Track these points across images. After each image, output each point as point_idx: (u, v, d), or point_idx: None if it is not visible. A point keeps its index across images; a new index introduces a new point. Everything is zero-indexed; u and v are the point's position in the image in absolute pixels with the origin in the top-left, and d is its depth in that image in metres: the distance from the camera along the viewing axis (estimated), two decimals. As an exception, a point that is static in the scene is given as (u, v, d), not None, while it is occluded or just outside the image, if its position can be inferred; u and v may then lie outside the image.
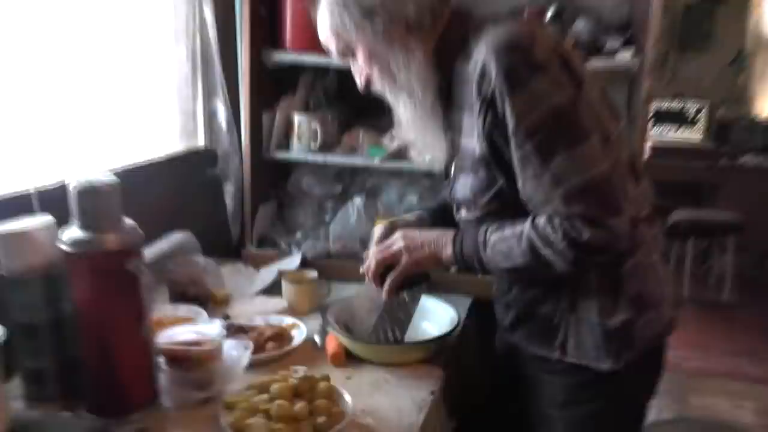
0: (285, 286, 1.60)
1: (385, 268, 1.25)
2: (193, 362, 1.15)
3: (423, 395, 1.22)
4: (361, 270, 1.29)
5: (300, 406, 1.03)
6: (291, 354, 1.35)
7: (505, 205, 1.16)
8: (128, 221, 1.13)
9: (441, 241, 1.22)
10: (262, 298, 1.63)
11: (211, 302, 1.60)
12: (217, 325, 1.22)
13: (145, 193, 1.77)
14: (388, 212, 1.91)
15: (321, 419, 1.02)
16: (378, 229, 1.36)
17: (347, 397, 1.10)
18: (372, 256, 1.27)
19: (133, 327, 1.12)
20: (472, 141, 1.15)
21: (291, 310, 1.59)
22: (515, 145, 1.07)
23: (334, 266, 1.81)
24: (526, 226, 1.11)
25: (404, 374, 1.29)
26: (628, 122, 1.63)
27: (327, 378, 1.12)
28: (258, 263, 1.85)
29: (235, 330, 1.38)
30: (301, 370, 1.10)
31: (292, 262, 1.79)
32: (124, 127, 1.72)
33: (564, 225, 1.06)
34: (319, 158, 1.87)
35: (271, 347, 1.33)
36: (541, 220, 1.09)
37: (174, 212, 1.87)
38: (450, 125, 1.23)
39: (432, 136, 1.24)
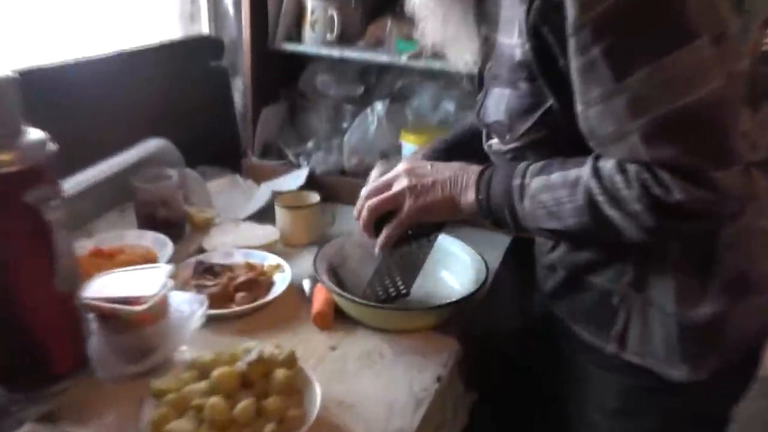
0: (278, 211, 1.30)
1: (381, 215, 0.93)
2: (123, 324, 0.88)
3: (426, 382, 0.92)
4: (355, 213, 0.97)
5: (243, 406, 0.75)
6: (269, 305, 1.06)
7: (555, 135, 0.81)
8: (34, 134, 0.83)
9: (460, 180, 0.88)
10: (250, 223, 1.33)
11: (190, 226, 1.32)
12: (164, 271, 0.94)
13: (131, 87, 1.48)
14: (418, 121, 1.56)
15: (269, 428, 0.73)
16: (376, 172, 1.04)
17: (317, 390, 0.82)
18: (363, 197, 0.95)
19: (43, 276, 0.85)
20: (512, 39, 0.79)
21: (284, 241, 1.29)
22: (576, 49, 0.71)
23: (346, 186, 1.49)
24: (584, 171, 0.76)
25: (406, 346, 0.99)
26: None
27: (291, 359, 0.83)
28: (259, 177, 1.56)
29: (202, 271, 1.10)
30: (254, 351, 0.81)
31: (297, 178, 1.48)
32: (109, 8, 1.42)
33: (644, 177, 0.71)
34: (335, 52, 1.51)
35: (241, 299, 1.04)
36: (608, 166, 0.74)
37: (168, 112, 1.57)
38: (485, 16, 0.87)
39: (457, 28, 0.89)
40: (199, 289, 1.04)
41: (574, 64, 0.72)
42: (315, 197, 1.33)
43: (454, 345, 1.01)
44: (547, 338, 1.04)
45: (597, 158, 0.76)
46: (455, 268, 1.14)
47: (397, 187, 0.90)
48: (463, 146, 1.10)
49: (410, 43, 1.47)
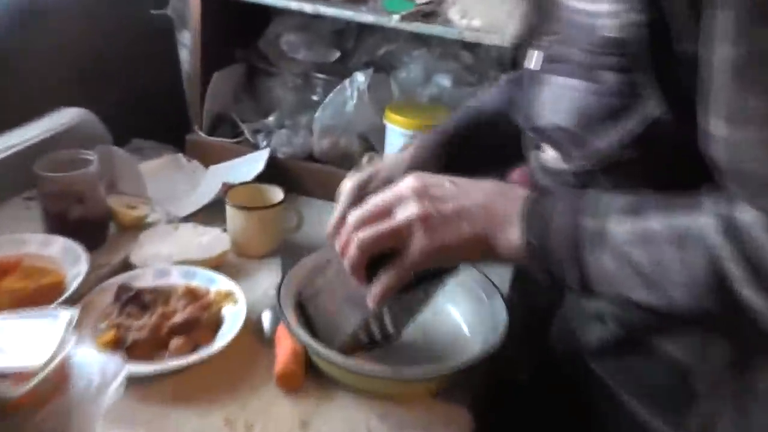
0: (230, 211, 1.02)
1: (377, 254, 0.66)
2: (-3, 408, 0.60)
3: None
4: (335, 244, 0.69)
5: None
6: (216, 357, 0.79)
7: (651, 157, 0.56)
8: None
9: (497, 208, 0.61)
10: (193, 226, 1.03)
11: (116, 225, 1.03)
12: (64, 321, 0.65)
13: (47, 40, 1.16)
14: (406, 97, 1.28)
15: None
16: (352, 182, 0.77)
17: None
18: (351, 225, 0.66)
19: None
20: (599, 2, 0.53)
21: (237, 250, 1.02)
22: (729, 30, 0.46)
23: (315, 174, 1.22)
24: (705, 221, 0.50)
25: (402, 418, 0.74)
26: None
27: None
28: (206, 157, 1.26)
29: (126, 301, 0.82)
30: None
31: (255, 162, 1.19)
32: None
33: None
34: (307, 6, 1.20)
35: (176, 349, 0.76)
36: (748, 218, 0.49)
37: (94, 72, 1.26)
38: None
39: None
40: (120, 332, 0.76)
41: (722, 55, 0.46)
42: (277, 194, 1.05)
43: (464, 416, 0.76)
44: (573, 391, 0.80)
45: (725, 203, 0.50)
46: (462, 300, 0.89)
47: (402, 215, 0.63)
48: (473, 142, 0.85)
49: (402, 1, 1.19)
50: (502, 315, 0.82)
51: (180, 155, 1.26)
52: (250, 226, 1.01)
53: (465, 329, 0.86)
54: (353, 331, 0.74)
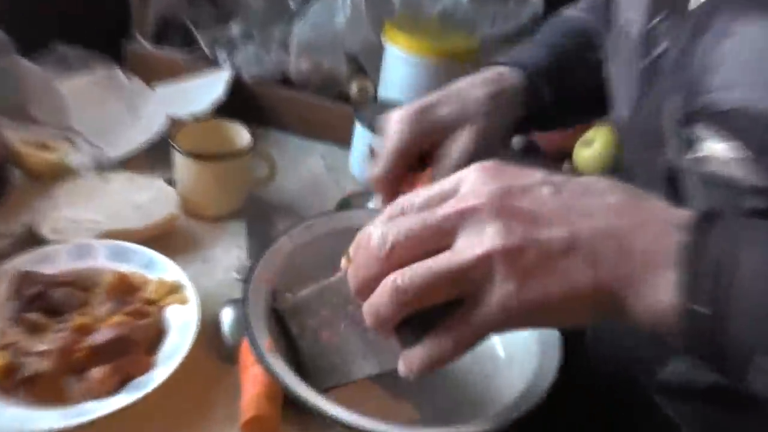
0: (178, 159, 0.76)
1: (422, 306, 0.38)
2: None
3: None
4: (353, 283, 0.43)
5: None
6: (157, 392, 0.56)
7: None
8: None
9: (634, 240, 0.35)
10: (129, 175, 0.78)
11: (22, 172, 0.77)
12: None
13: None
14: (410, 10, 1.01)
15: None
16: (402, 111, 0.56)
17: None
18: (384, 253, 0.38)
19: None
20: None
21: (187, 209, 0.77)
22: None
23: (292, 105, 0.97)
24: None
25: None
26: None
27: None
28: (150, 74, 0.99)
29: (28, 302, 0.58)
30: None
31: (212, 86, 0.92)
32: None
33: None
34: None
35: (99, 383, 0.53)
36: None
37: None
38: None
39: None
40: (15, 357, 0.53)
41: None
42: (242, 135, 0.80)
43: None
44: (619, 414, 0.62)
45: None
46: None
47: (475, 247, 0.36)
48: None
49: None
50: (552, 336, 0.60)
51: (117, 71, 0.98)
52: (204, 179, 0.76)
53: (500, 350, 0.64)
54: (361, 377, 0.52)
